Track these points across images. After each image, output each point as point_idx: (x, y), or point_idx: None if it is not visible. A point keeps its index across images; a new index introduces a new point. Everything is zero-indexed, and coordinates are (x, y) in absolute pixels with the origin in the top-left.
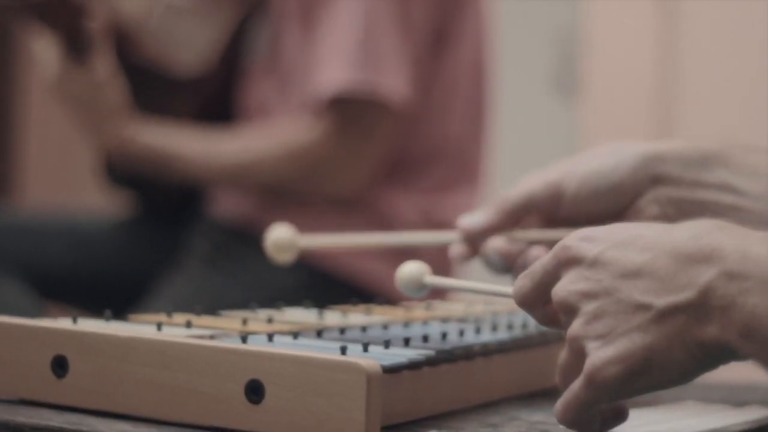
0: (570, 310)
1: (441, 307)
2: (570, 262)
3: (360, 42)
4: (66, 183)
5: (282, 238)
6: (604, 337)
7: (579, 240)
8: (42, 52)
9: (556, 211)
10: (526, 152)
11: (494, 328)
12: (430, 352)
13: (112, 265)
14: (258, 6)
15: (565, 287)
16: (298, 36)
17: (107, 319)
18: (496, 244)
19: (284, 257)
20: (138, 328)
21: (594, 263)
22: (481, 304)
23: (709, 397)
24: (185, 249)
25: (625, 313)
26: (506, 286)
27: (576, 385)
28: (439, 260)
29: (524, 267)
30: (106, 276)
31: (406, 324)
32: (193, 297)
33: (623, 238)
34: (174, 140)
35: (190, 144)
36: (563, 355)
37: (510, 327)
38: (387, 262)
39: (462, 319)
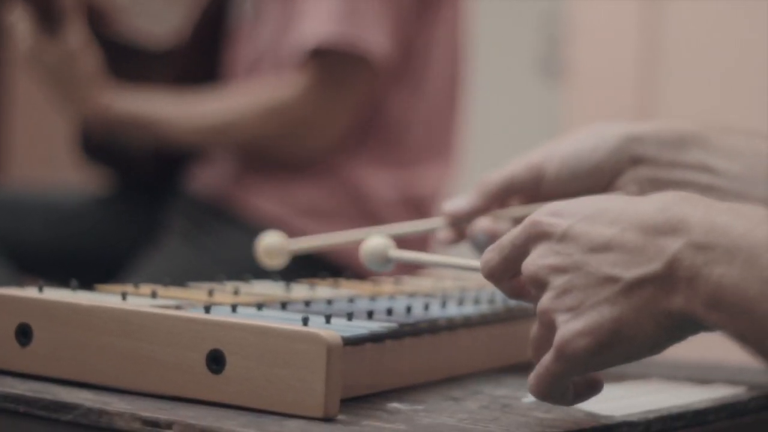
0: (540, 284)
1: (410, 283)
2: (539, 236)
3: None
4: (49, 160)
5: (272, 244)
6: (573, 310)
7: (548, 215)
8: (16, 23)
9: (538, 192)
10: (510, 134)
11: (461, 302)
12: (393, 325)
13: (90, 240)
14: None
15: (535, 262)
16: None
17: (73, 288)
18: (483, 224)
19: (276, 263)
20: (102, 298)
21: (563, 237)
22: (451, 279)
23: (675, 374)
24: (163, 225)
25: (593, 286)
26: (473, 260)
27: (547, 358)
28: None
29: None
30: (85, 251)
31: (373, 298)
32: (170, 272)
33: (591, 211)
34: (151, 105)
35: (168, 107)
36: (534, 328)
37: (477, 302)
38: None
39: (429, 294)
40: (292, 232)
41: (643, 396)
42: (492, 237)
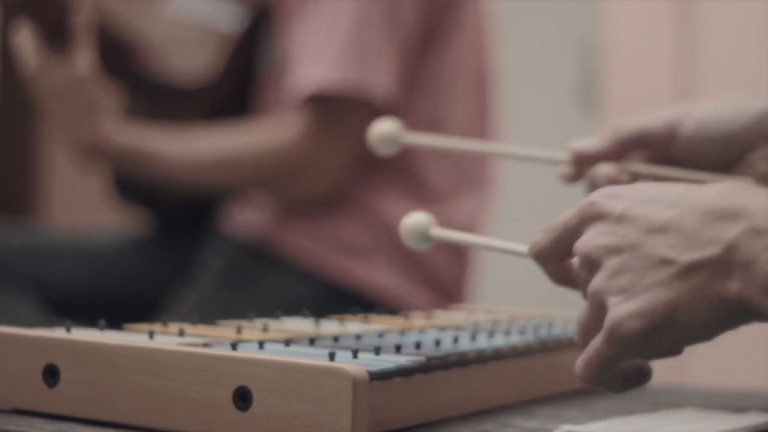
0: (593, 265)
1: (441, 316)
2: (595, 217)
3: (346, 38)
4: (87, 202)
5: (386, 130)
6: (626, 292)
7: (605, 196)
8: (23, 42)
9: (667, 149)
10: (546, 165)
11: (491, 335)
12: (421, 359)
13: (126, 282)
14: (264, 18)
15: (590, 241)
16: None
17: (101, 328)
18: (606, 169)
19: (387, 150)
20: (129, 337)
21: (620, 218)
22: (484, 312)
23: (710, 403)
24: (198, 265)
25: (648, 268)
26: (513, 243)
27: (597, 340)
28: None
29: None
30: (121, 293)
31: (403, 332)
32: (205, 311)
33: (650, 195)
34: (152, 140)
35: (168, 143)
36: (583, 311)
37: (507, 334)
38: (398, 274)
39: (460, 327)
40: (328, 271)
41: (678, 425)
42: (613, 184)
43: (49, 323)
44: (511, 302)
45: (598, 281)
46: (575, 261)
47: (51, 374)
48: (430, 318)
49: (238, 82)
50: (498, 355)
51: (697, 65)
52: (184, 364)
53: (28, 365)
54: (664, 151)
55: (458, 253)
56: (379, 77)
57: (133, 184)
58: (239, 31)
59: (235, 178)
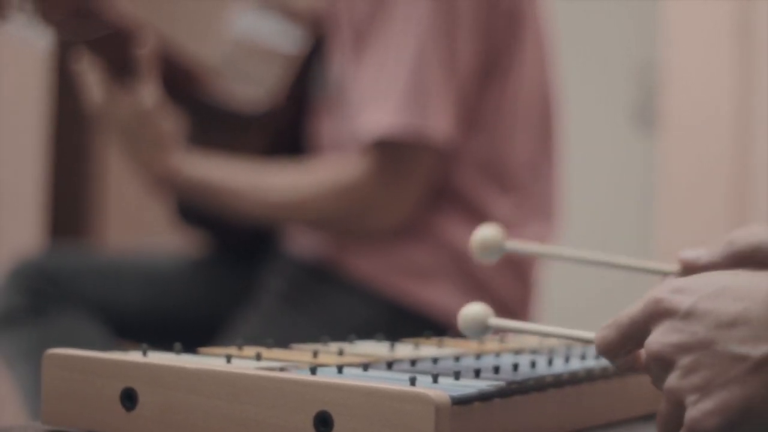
0: (666, 364)
1: (515, 340)
2: (662, 314)
3: (407, 83)
4: (144, 224)
5: (488, 237)
6: (702, 390)
7: (671, 292)
8: (86, 75)
9: None
10: (606, 185)
11: (567, 359)
12: (501, 383)
13: (187, 303)
14: (323, 42)
15: (659, 340)
16: (352, 72)
17: (177, 352)
18: None
19: (490, 258)
20: (207, 361)
21: (688, 315)
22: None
23: None
24: (260, 287)
25: (721, 365)
26: (579, 330)
27: None
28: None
29: None
30: (182, 315)
31: (479, 356)
32: (268, 333)
33: (715, 288)
34: (220, 172)
35: (237, 177)
36: (662, 407)
37: (583, 358)
38: (462, 296)
39: (535, 351)
40: (391, 292)
41: None
42: None
43: (115, 345)
44: (571, 324)
45: (673, 380)
46: (644, 353)
47: (129, 398)
48: (503, 342)
49: (297, 106)
50: (574, 379)
51: (756, 84)
52: (264, 389)
53: (105, 389)
54: None
55: (522, 275)
56: (440, 120)
57: (196, 208)
58: (300, 54)
59: (301, 216)
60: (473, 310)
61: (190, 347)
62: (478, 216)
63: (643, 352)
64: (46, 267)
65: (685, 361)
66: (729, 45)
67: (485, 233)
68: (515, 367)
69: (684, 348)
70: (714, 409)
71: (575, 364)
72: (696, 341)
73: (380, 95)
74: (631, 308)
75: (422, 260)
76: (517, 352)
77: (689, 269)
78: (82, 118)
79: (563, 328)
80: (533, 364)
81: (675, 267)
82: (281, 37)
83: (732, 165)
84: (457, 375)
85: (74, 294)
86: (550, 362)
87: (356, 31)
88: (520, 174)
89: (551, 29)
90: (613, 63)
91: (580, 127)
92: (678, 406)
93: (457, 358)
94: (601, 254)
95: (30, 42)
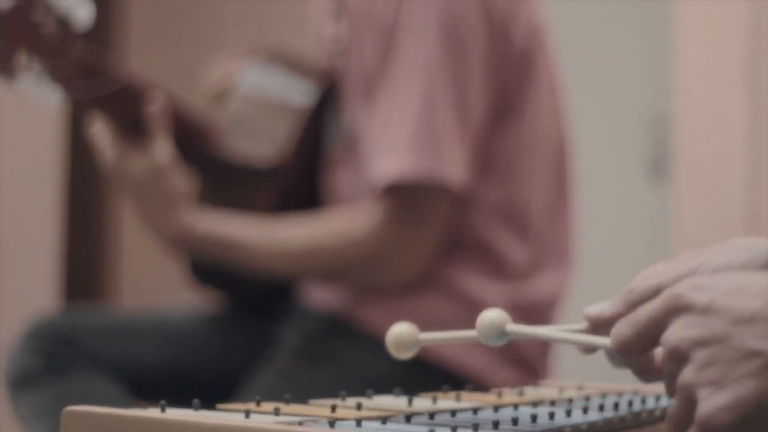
0: (681, 358)
1: (533, 392)
2: (680, 309)
3: (417, 127)
4: (159, 285)
5: (403, 334)
6: (716, 384)
7: (690, 288)
8: (98, 134)
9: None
10: (619, 234)
11: (585, 410)
12: None
13: (204, 360)
14: (332, 94)
15: (677, 334)
16: (362, 122)
17: (195, 408)
18: None
19: (405, 354)
20: (226, 416)
21: (706, 310)
22: (575, 389)
23: None
24: (276, 341)
25: (737, 360)
26: (594, 336)
27: None
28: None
29: (649, 362)
30: (199, 371)
31: (497, 409)
32: (285, 389)
33: (734, 285)
34: (233, 228)
35: (249, 232)
36: (674, 404)
37: (601, 409)
38: (479, 348)
39: (554, 403)
40: None
41: None
42: None
43: (131, 402)
44: (588, 375)
45: (687, 374)
46: (659, 352)
47: None
48: (521, 395)
49: (307, 160)
50: (593, 430)
51: None
52: None
53: None
54: None
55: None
56: (453, 163)
57: (210, 267)
58: (309, 106)
59: (316, 268)
60: (490, 317)
61: (209, 403)
62: (495, 264)
63: (658, 353)
64: (61, 327)
65: (700, 355)
66: (741, 95)
67: (400, 330)
68: (534, 418)
69: (700, 342)
70: (727, 403)
71: (594, 416)
72: (713, 336)
73: (391, 141)
74: (648, 304)
75: (438, 312)
76: (536, 404)
77: (596, 325)
78: (96, 179)
79: (579, 334)
80: (552, 416)
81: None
82: (289, 91)
83: (745, 213)
84: (475, 427)
85: (90, 353)
86: (568, 413)
87: (365, 79)
88: (536, 220)
89: (565, 79)
90: (627, 114)
91: (595, 177)
92: (690, 402)
93: (475, 411)
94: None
95: (40, 100)
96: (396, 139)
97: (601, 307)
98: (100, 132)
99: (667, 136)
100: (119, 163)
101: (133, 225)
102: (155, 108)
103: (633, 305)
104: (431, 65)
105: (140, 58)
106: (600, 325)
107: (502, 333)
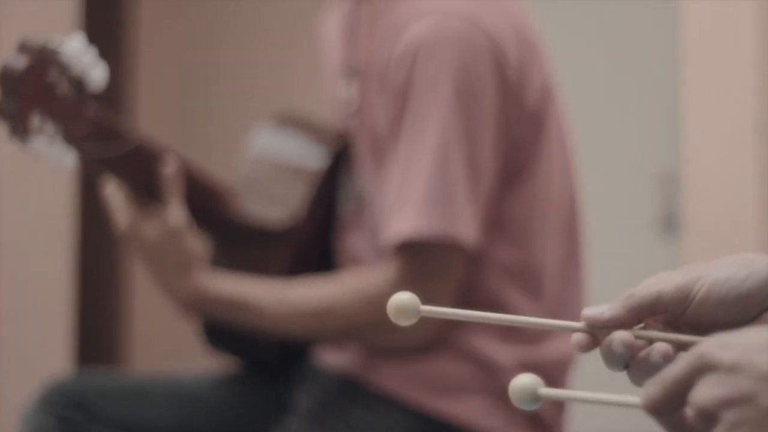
0: (710, 417)
1: None
2: (706, 368)
3: (428, 185)
4: (172, 349)
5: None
6: None
7: (714, 346)
8: (112, 197)
9: (681, 314)
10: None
11: None
12: None
13: (216, 423)
14: (344, 157)
15: (704, 394)
16: (375, 187)
17: None
18: (623, 335)
19: (407, 322)
20: None
21: (732, 369)
22: None
23: None
24: (287, 404)
25: (766, 419)
26: (625, 395)
27: None
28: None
29: (646, 361)
30: None
31: None
32: None
33: (758, 342)
34: (246, 290)
35: (263, 293)
36: None
37: None
38: (492, 410)
39: None
40: (423, 409)
41: None
42: (629, 350)
43: None
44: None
45: None
46: (690, 411)
47: None
48: None
49: (320, 222)
50: None
51: None
52: None
53: None
54: (678, 316)
55: (554, 386)
56: (466, 221)
57: (223, 330)
58: (321, 169)
59: (330, 329)
60: (523, 381)
61: None
62: (508, 331)
63: (689, 411)
64: (74, 391)
65: (729, 415)
66: (751, 153)
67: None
68: None
69: (728, 402)
70: None
71: None
72: (740, 394)
73: (404, 200)
74: (675, 364)
75: (451, 373)
76: None
77: (593, 325)
78: (108, 243)
79: (608, 394)
80: None
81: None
82: (301, 153)
83: None
84: None
85: (103, 417)
86: None
87: (377, 140)
88: (549, 280)
89: (575, 137)
90: (637, 172)
91: (605, 235)
92: None
93: None
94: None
95: (53, 161)
96: (409, 199)
97: (600, 310)
98: (114, 194)
99: (678, 193)
100: (132, 226)
101: (146, 290)
102: (168, 171)
103: (631, 310)
104: (445, 123)
105: (149, 119)
106: (597, 327)
107: (536, 397)
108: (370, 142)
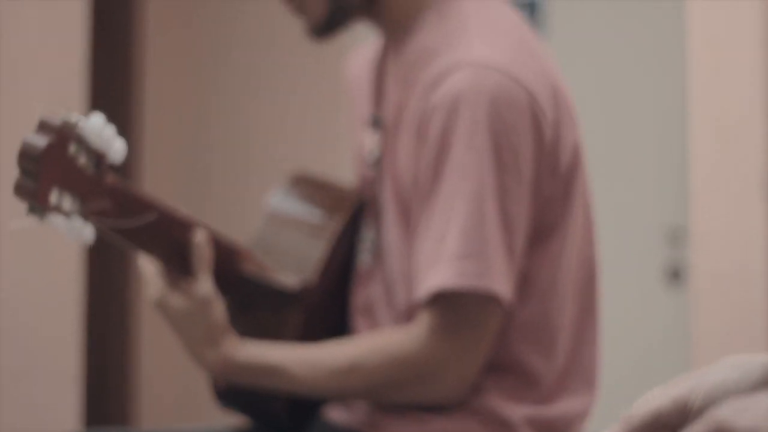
0: None
1: None
2: None
3: (460, 238)
4: (180, 410)
5: None
6: None
7: (732, 412)
8: (143, 268)
9: (681, 424)
10: (637, 344)
11: None
12: None
13: None
14: (359, 214)
15: None
16: (397, 238)
17: None
18: None
19: None
20: None
21: None
22: None
23: None
24: None
25: None
26: None
27: None
28: None
29: None
30: None
31: None
32: None
33: None
34: (274, 354)
35: (291, 356)
36: None
37: None
38: None
39: None
40: None
41: None
42: None
43: None
44: None
45: None
46: None
47: None
48: None
49: (336, 280)
50: None
51: None
52: None
53: None
54: (679, 426)
55: None
56: (500, 274)
57: (234, 389)
58: (336, 225)
59: (362, 386)
60: None
61: None
62: (523, 384)
63: None
64: None
65: None
66: (758, 207)
67: None
68: None
69: None
70: None
71: None
72: None
73: (439, 254)
74: (690, 429)
75: (463, 430)
76: None
77: None
78: (117, 303)
79: None
80: None
81: None
82: (315, 212)
83: (765, 322)
84: None
85: None
86: None
87: (404, 191)
88: (563, 338)
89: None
90: (645, 224)
91: (613, 286)
92: None
93: None
94: None
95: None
96: (444, 252)
97: None
98: (145, 265)
99: (686, 246)
100: (162, 296)
101: (155, 349)
102: (198, 242)
103: (634, 431)
104: (481, 178)
105: (157, 177)
106: None
107: None
108: (395, 192)
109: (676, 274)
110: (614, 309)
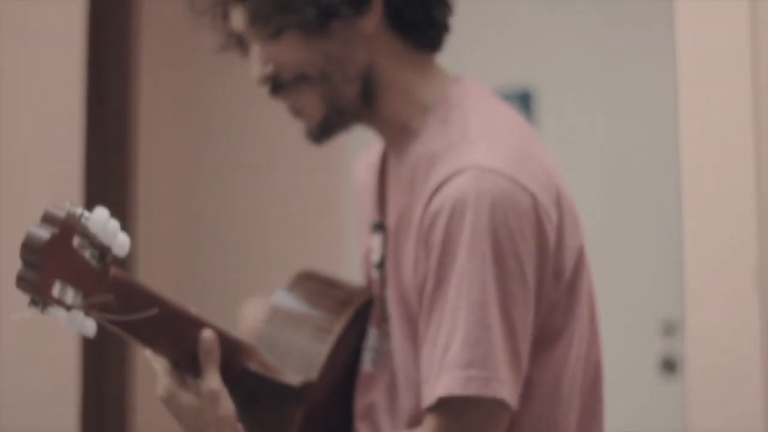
0: None
1: None
2: None
3: (464, 344)
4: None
5: None
6: None
7: None
8: (153, 363)
9: None
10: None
11: None
12: None
13: None
14: (362, 315)
15: None
16: (401, 344)
17: None
18: None
19: None
20: None
21: None
22: None
23: None
24: None
25: None
26: None
27: None
28: None
29: None
30: None
31: None
32: None
33: None
34: None
35: None
36: None
37: None
38: None
39: None
40: None
41: None
42: None
43: None
44: None
45: None
46: None
47: None
48: None
49: (337, 378)
50: None
51: None
52: None
53: None
54: None
55: None
56: (503, 379)
57: None
58: (339, 323)
59: None
60: None
61: None
62: None
63: None
64: None
65: None
66: (751, 303)
67: None
68: None
69: None
70: None
71: None
72: None
73: (444, 362)
74: None
75: None
76: None
77: None
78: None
79: None
80: None
81: None
82: (316, 312)
83: (763, 414)
84: None
85: None
86: None
87: (407, 294)
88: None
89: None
90: (639, 317)
91: (609, 378)
92: None
93: None
94: None
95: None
96: (448, 360)
97: None
98: (152, 358)
99: (680, 339)
100: (170, 391)
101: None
102: (205, 338)
103: None
104: (484, 284)
105: (152, 273)
106: None
107: None
108: (399, 296)
109: (671, 366)
110: (609, 400)
